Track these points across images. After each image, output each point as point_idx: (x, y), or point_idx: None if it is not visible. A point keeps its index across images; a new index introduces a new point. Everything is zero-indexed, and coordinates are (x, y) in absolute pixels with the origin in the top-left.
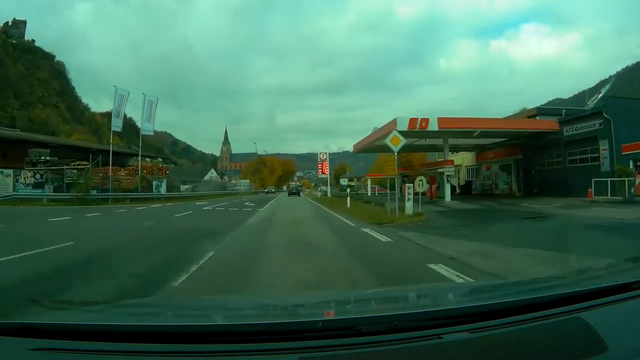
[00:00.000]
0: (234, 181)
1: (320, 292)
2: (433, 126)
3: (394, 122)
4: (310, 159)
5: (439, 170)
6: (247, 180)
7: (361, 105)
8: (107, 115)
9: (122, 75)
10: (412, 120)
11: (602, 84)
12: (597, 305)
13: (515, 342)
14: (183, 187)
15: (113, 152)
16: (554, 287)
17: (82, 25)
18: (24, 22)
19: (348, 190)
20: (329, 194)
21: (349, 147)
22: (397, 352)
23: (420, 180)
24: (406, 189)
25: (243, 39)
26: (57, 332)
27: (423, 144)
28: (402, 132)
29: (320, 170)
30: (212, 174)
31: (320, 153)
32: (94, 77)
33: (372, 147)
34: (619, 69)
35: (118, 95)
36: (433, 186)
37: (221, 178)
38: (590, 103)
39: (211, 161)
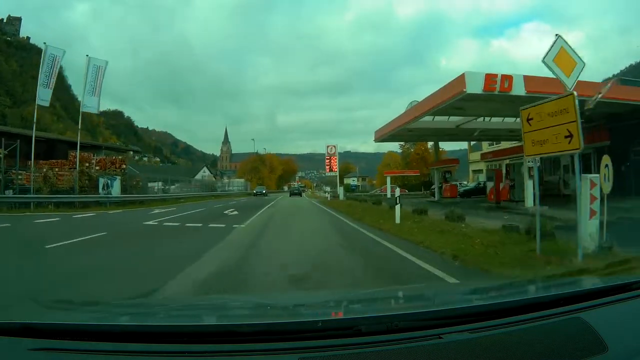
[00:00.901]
0: (226, 180)
1: (320, 292)
2: (518, 88)
3: (460, 80)
4: (311, 159)
5: (507, 160)
6: (242, 180)
7: (362, 106)
8: (104, 114)
9: (121, 75)
10: (490, 78)
11: (606, 82)
12: (597, 305)
13: (515, 342)
14: (154, 188)
15: (58, 141)
16: (554, 287)
17: (81, 25)
18: (19, 19)
19: (396, 193)
20: (341, 196)
21: (350, 147)
22: (397, 352)
23: (606, 165)
24: (587, 187)
25: (243, 39)
26: (57, 332)
27: (469, 126)
28: (472, 95)
29: (327, 167)
30: (204, 172)
31: (328, 146)
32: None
33: (401, 133)
34: (622, 67)
35: (48, 56)
36: (501, 184)
37: (220, 178)
38: (591, 104)
39: (211, 161)
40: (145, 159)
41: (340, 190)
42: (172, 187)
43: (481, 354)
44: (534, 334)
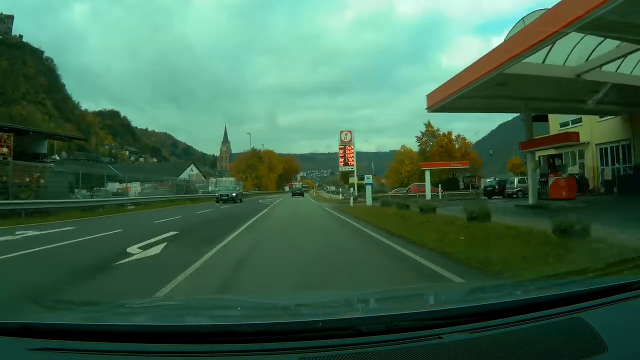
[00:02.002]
0: (213, 180)
1: (320, 292)
2: None
3: None
4: (311, 159)
5: None
6: (231, 179)
7: (363, 105)
8: (100, 114)
9: (121, 76)
10: None
11: None
12: (597, 305)
13: (515, 342)
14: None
15: None
16: (554, 287)
17: (79, 26)
18: (11, 17)
19: None
20: (369, 201)
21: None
22: (397, 352)
23: None
24: None
25: (243, 39)
26: (57, 332)
27: (595, 78)
28: None
29: (341, 160)
30: (191, 171)
31: (342, 132)
32: (93, 78)
33: (479, 91)
34: None
35: None
36: None
37: (211, 177)
38: (591, 104)
39: (211, 162)
40: (141, 159)
41: (368, 192)
42: (131, 189)
43: (481, 354)
44: (534, 334)
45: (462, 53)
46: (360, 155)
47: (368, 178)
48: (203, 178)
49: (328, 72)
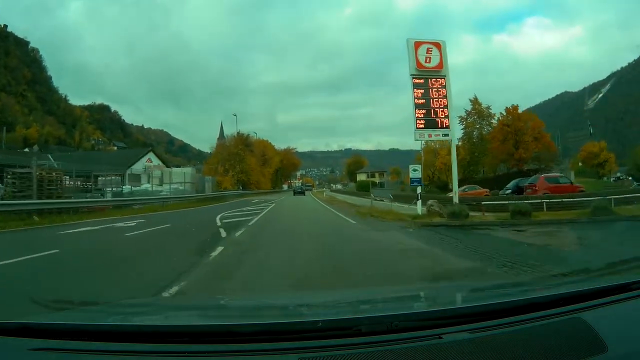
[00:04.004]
0: (157, 172)
1: (320, 292)
2: None
3: None
4: (311, 157)
5: None
6: (188, 169)
7: (362, 103)
8: (88, 108)
9: (119, 75)
10: None
11: (613, 75)
12: (597, 305)
13: (515, 342)
14: None
15: None
16: (554, 287)
17: (77, 24)
18: None
19: None
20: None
21: (351, 144)
22: (397, 352)
23: None
24: None
25: (241, 36)
26: (57, 332)
27: None
28: None
29: (419, 115)
30: (149, 161)
31: (421, 45)
32: (90, 77)
33: None
34: (630, 59)
35: None
36: None
37: (168, 169)
38: (591, 104)
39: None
40: None
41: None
42: None
43: (481, 354)
44: (534, 334)
45: (463, 50)
46: (360, 154)
47: (415, 170)
48: (167, 168)
49: (327, 70)
